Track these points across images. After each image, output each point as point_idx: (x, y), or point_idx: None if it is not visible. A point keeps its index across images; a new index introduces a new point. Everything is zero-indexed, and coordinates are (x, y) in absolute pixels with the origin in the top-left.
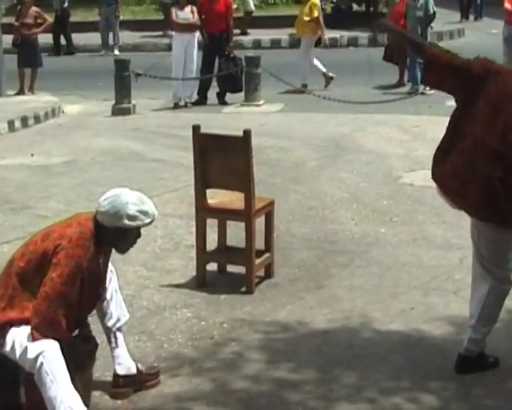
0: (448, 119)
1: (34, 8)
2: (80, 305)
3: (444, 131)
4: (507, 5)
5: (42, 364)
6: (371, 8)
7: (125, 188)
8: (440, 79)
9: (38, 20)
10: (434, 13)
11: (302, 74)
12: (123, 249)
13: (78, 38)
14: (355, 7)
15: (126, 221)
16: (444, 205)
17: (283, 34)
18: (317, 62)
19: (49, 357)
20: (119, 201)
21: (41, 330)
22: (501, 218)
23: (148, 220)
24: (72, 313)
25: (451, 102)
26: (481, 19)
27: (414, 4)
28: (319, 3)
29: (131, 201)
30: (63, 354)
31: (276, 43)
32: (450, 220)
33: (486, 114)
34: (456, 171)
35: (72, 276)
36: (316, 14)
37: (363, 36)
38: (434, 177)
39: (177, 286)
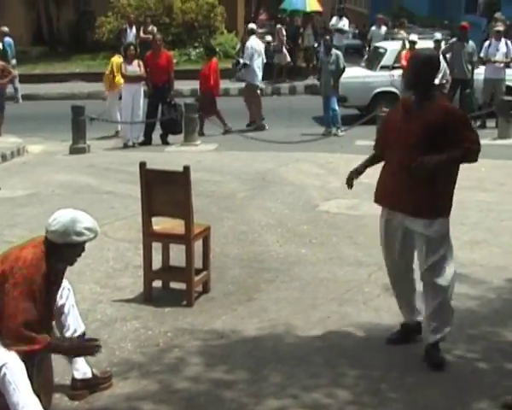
0: (356, 155)
1: (0, 63)
2: (40, 317)
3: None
4: (403, 62)
5: (5, 374)
6: (292, 63)
7: (70, 208)
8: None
9: (4, 73)
10: (344, 67)
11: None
12: (71, 262)
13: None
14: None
15: (74, 237)
16: (355, 229)
17: None
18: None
19: (11, 368)
20: (67, 220)
21: (18, 345)
22: None
23: (92, 235)
24: (37, 324)
25: (360, 142)
26: None
27: (327, 59)
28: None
29: (77, 219)
30: (25, 363)
31: None
32: (360, 242)
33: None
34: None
35: (31, 292)
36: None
37: (284, 86)
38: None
39: (127, 301)
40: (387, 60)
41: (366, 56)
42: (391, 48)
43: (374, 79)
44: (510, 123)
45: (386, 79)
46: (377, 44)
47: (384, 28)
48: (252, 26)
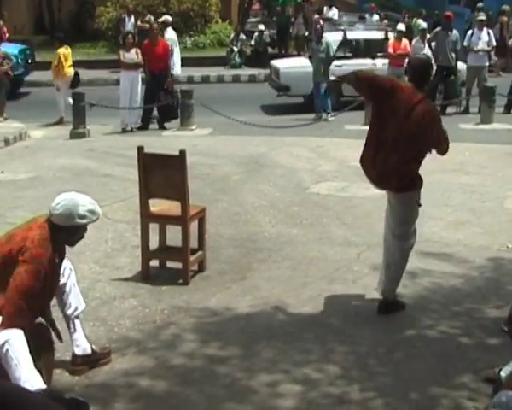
0: (346, 140)
1: (2, 51)
2: (42, 296)
3: (346, 150)
4: (390, 50)
5: (7, 350)
6: (283, 51)
7: (72, 192)
8: (363, 90)
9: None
10: (334, 55)
11: None
12: (74, 243)
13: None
14: (270, 49)
15: (78, 220)
16: (344, 210)
17: (212, 72)
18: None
19: (13, 344)
20: (71, 204)
21: (11, 317)
22: None
23: (95, 217)
24: (36, 303)
25: (349, 127)
26: None
27: (318, 48)
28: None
29: (81, 203)
30: (27, 339)
31: (205, 79)
32: (349, 222)
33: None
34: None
35: (37, 272)
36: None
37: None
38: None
39: (125, 280)
40: None
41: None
42: (332, 39)
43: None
44: (492, 108)
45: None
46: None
47: (376, 16)
48: (166, 17)
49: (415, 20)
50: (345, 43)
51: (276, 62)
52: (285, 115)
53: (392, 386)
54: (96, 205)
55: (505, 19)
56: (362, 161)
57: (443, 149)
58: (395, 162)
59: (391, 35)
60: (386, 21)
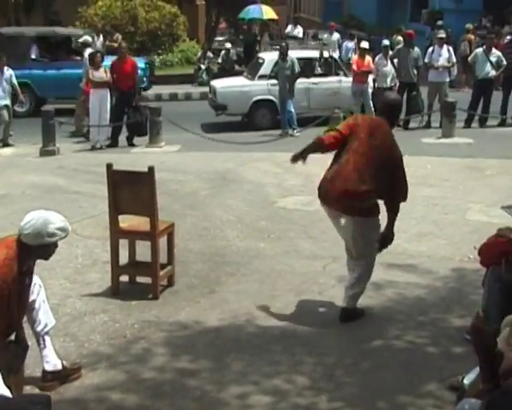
0: (312, 156)
1: None
2: (10, 314)
3: (312, 165)
4: (354, 67)
5: None
6: None
7: (41, 210)
8: (328, 149)
9: None
10: (299, 72)
11: None
12: (46, 259)
13: None
14: (237, 67)
15: (47, 238)
16: (310, 224)
17: (179, 89)
18: None
19: None
20: (39, 222)
21: None
22: None
23: (64, 234)
24: (3, 322)
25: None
26: None
27: (283, 65)
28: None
29: (50, 221)
30: None
31: (173, 96)
32: (315, 236)
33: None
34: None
35: (1, 291)
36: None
37: None
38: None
39: (96, 295)
40: (265, 69)
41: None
42: (269, 58)
43: (252, 87)
44: (453, 123)
45: (264, 87)
46: (259, 55)
47: (337, 35)
48: (86, 38)
49: (394, 36)
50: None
51: (214, 82)
52: (234, 132)
53: (359, 396)
54: (66, 222)
55: (471, 36)
56: None
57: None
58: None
59: (326, 54)
60: (355, 41)
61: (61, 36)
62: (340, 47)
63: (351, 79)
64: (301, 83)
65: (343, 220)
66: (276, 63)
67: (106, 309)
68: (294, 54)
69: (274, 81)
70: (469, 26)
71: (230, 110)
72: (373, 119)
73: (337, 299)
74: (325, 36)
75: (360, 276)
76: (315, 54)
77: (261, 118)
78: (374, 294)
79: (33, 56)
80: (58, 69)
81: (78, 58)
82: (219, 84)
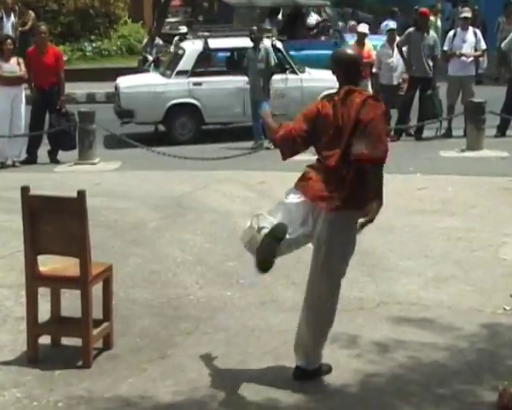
0: (293, 173)
1: None
2: None
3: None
4: None
5: None
6: None
7: None
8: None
9: None
10: (276, 64)
11: None
12: None
13: None
14: None
15: None
16: (293, 265)
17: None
18: None
19: None
20: None
21: None
22: None
23: None
24: None
25: (297, 157)
26: None
27: (254, 56)
28: None
29: None
30: None
31: (111, 97)
32: (299, 281)
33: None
34: None
35: None
36: None
37: None
38: None
39: (6, 363)
40: (186, 64)
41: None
42: (190, 49)
43: (167, 88)
44: (481, 130)
45: (184, 88)
46: (180, 44)
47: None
48: None
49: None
50: (205, 54)
51: (120, 80)
52: (191, 145)
53: None
54: None
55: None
56: None
57: None
58: None
59: (268, 42)
60: (353, 22)
61: None
62: None
63: (302, 76)
64: (233, 82)
65: None
66: (201, 55)
67: (19, 382)
68: (220, 43)
69: (197, 79)
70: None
71: (139, 118)
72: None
73: (329, 362)
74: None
75: None
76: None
77: (180, 128)
78: (378, 358)
79: None
80: None
81: None
82: (125, 82)
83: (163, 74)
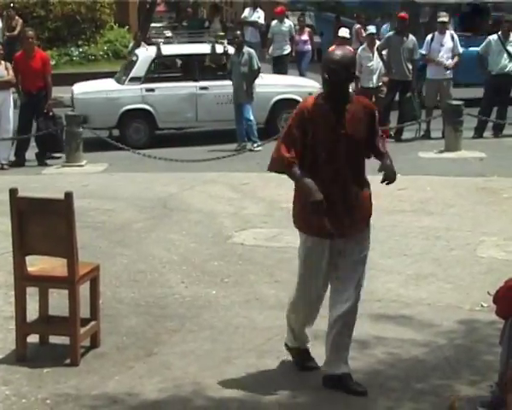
0: (277, 176)
1: None
2: None
3: (277, 188)
4: None
5: None
6: None
7: None
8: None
9: None
10: (259, 68)
11: None
12: None
13: None
14: None
15: None
16: (276, 264)
17: None
18: None
19: None
20: None
21: None
22: None
23: None
24: None
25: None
26: None
27: (238, 60)
28: None
29: None
30: None
31: None
32: (282, 279)
33: None
34: None
35: None
36: None
37: None
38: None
39: None
40: (139, 70)
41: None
42: (143, 56)
43: (121, 93)
44: (459, 132)
45: (137, 94)
46: (134, 51)
47: (288, 23)
48: None
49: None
50: (159, 60)
51: (76, 86)
52: (176, 147)
53: None
54: None
55: None
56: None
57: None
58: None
59: (220, 48)
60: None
61: None
62: (292, 39)
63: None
64: (185, 87)
65: None
66: (154, 61)
67: (8, 380)
68: (173, 49)
69: (149, 85)
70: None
71: (93, 123)
72: None
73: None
74: (273, 24)
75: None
76: (204, 49)
77: (134, 133)
78: (358, 354)
79: None
80: None
81: None
82: (79, 88)
83: (118, 81)
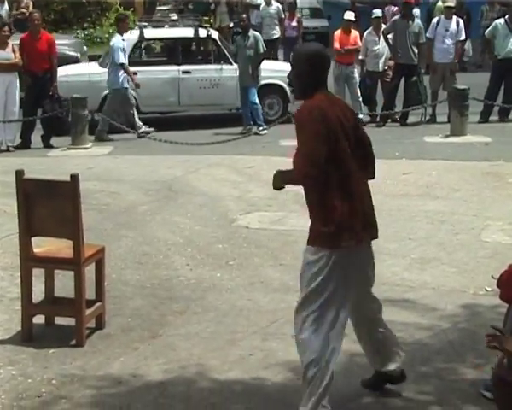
0: (282, 158)
1: None
2: None
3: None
4: (336, 45)
5: None
6: None
7: None
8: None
9: None
10: (265, 51)
11: None
12: None
13: None
14: None
15: None
16: (281, 247)
17: None
18: None
19: None
20: None
21: None
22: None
23: None
24: None
25: (285, 142)
26: None
27: (244, 43)
28: None
29: None
30: None
31: None
32: (287, 262)
33: None
34: None
35: None
36: None
37: None
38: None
39: (1, 342)
40: None
41: None
42: (126, 39)
43: (102, 77)
44: (465, 117)
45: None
46: None
47: (276, 4)
48: None
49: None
50: (141, 44)
51: (59, 69)
52: (182, 130)
53: None
54: None
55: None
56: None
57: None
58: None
59: (203, 32)
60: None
61: None
62: (281, 21)
63: (235, 67)
64: (168, 71)
65: None
66: (136, 45)
67: (14, 360)
68: (156, 33)
69: (132, 69)
70: None
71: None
72: None
73: None
74: (262, 6)
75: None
76: (187, 33)
77: (116, 116)
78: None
79: None
80: None
81: None
82: (62, 71)
83: (100, 64)
